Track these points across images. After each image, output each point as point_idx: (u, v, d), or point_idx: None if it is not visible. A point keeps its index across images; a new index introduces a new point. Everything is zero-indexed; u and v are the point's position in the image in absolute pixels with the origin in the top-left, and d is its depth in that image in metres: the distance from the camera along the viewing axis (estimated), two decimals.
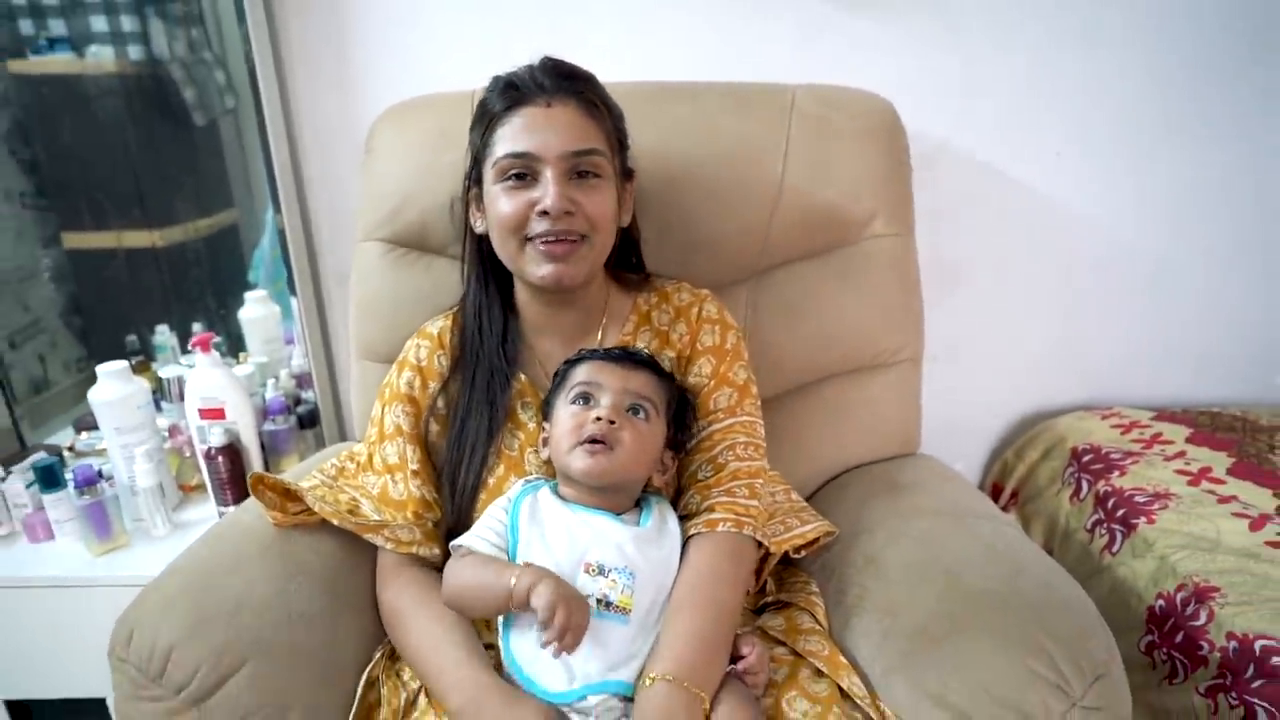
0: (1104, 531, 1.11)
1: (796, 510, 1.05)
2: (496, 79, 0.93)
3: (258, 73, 1.28)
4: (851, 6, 1.27)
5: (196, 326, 1.65)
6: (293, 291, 1.37)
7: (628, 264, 1.04)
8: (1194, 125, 1.31)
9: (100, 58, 1.60)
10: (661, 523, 0.89)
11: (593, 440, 0.84)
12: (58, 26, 1.60)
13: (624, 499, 0.89)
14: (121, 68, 1.61)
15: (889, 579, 0.90)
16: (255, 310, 1.52)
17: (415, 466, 0.95)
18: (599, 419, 0.85)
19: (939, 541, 0.93)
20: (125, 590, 1.15)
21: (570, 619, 0.75)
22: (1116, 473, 1.16)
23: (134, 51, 1.61)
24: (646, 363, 0.91)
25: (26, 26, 1.59)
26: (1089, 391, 1.44)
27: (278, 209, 1.34)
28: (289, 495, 0.97)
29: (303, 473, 1.07)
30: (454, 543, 0.88)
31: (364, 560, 0.96)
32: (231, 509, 1.24)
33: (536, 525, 0.85)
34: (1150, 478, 1.13)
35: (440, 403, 0.97)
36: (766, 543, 0.93)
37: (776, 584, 1.01)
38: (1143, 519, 1.05)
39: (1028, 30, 1.28)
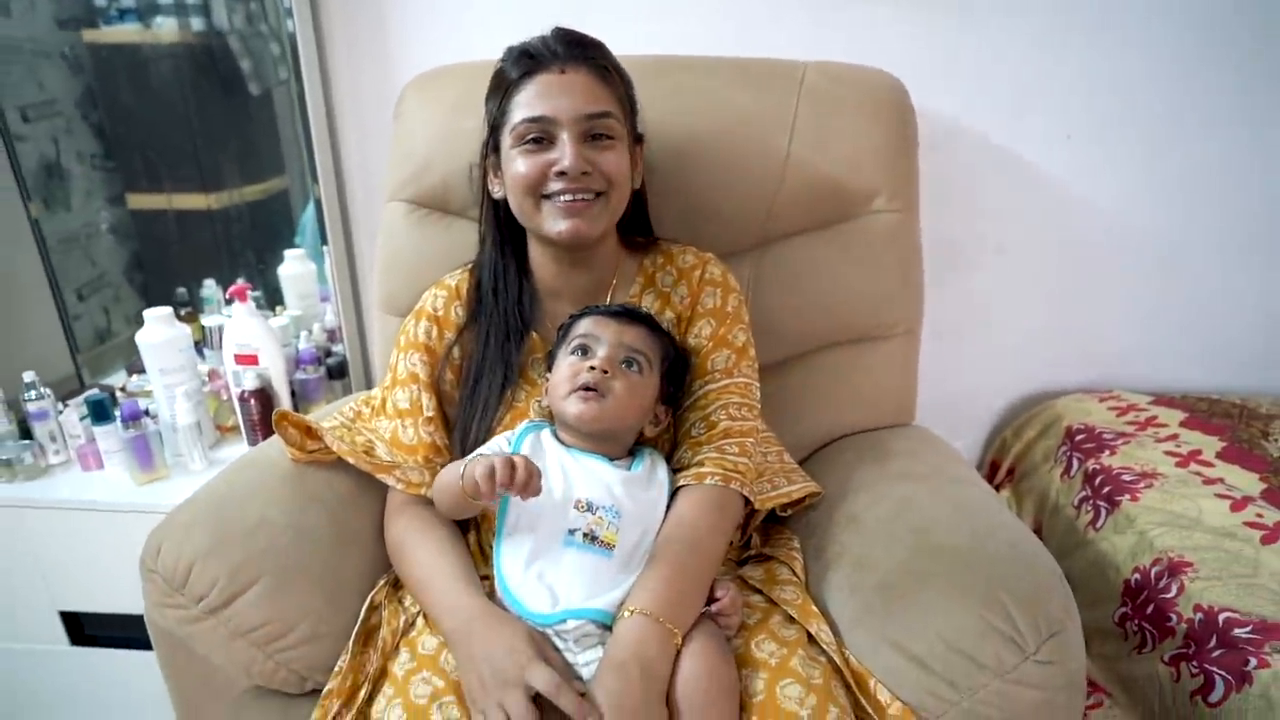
0: (1089, 508, 1.12)
1: (786, 471, 1.08)
2: (511, 49, 0.96)
3: (298, 40, 1.34)
4: None
5: (240, 280, 1.73)
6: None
7: (636, 228, 1.08)
8: (1205, 109, 1.29)
9: (164, 28, 1.68)
10: (651, 471, 0.93)
11: (586, 388, 0.89)
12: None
13: (617, 447, 0.94)
14: (184, 37, 1.69)
15: (864, 536, 0.93)
16: (293, 267, 1.60)
17: (430, 413, 1.00)
18: (593, 368, 0.90)
19: (916, 502, 0.95)
20: (162, 517, 1.26)
21: (511, 468, 0.79)
22: (1107, 452, 1.17)
23: (196, 23, 1.68)
24: (643, 319, 0.96)
25: None
26: (1092, 374, 1.44)
27: (314, 176, 1.40)
28: (309, 433, 1.03)
29: (324, 416, 1.13)
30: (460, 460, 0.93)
31: (374, 497, 1.02)
32: None
33: (536, 461, 0.90)
34: (1140, 458, 1.14)
35: (455, 352, 1.02)
36: (753, 499, 0.97)
37: (761, 539, 1.04)
38: (1127, 496, 1.07)
39: (1041, 11, 1.28)
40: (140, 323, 1.25)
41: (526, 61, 0.93)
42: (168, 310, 1.31)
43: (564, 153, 0.90)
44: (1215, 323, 1.39)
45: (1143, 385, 1.41)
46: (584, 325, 0.94)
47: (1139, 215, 1.36)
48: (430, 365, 1.01)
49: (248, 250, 1.87)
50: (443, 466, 1.00)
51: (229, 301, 1.69)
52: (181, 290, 1.75)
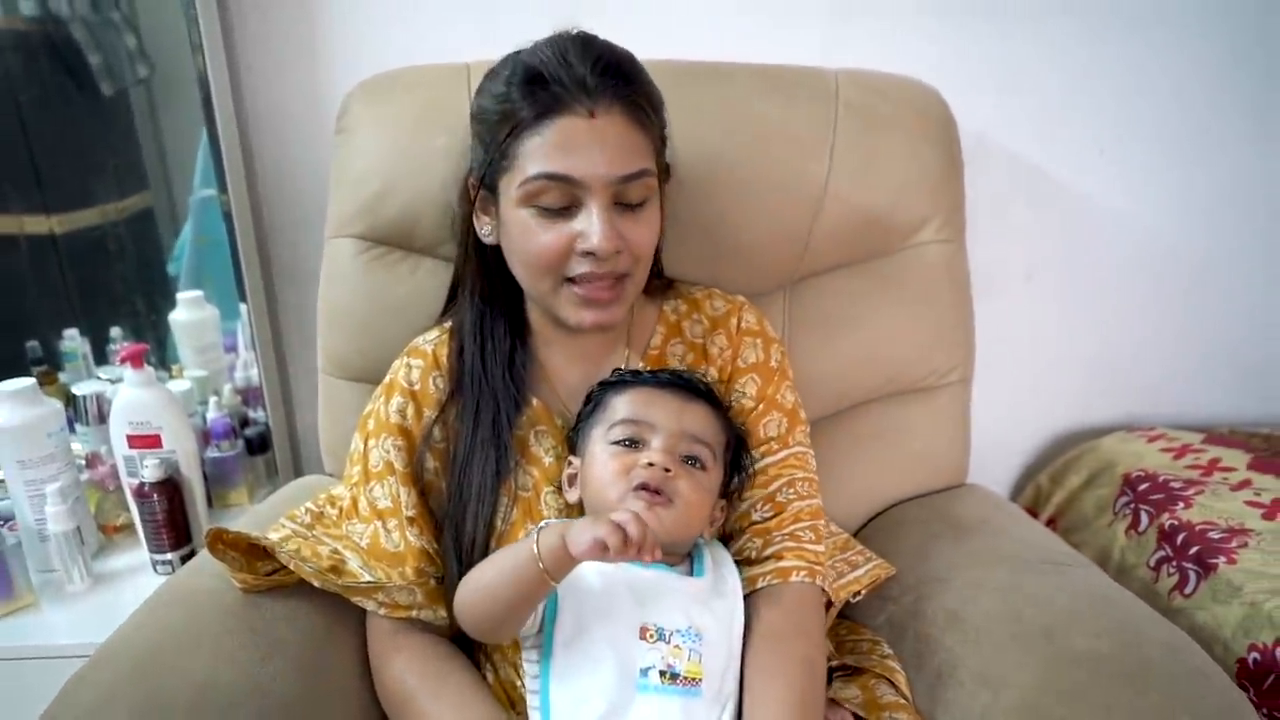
0: (1172, 570, 1.04)
1: (842, 547, 0.96)
2: (514, 63, 0.76)
3: (201, 34, 1.11)
4: None
5: (115, 331, 1.44)
6: (241, 296, 1.20)
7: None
8: (1243, 123, 1.26)
9: None
10: (717, 569, 0.78)
11: (645, 487, 0.73)
12: None
13: (672, 557, 0.77)
14: (11, 24, 1.43)
15: (978, 641, 0.81)
16: (189, 313, 1.33)
17: (411, 512, 0.81)
18: (651, 464, 0.73)
19: (1026, 593, 0.84)
20: (33, 664, 0.98)
21: (635, 523, 0.63)
22: (1180, 504, 1.10)
23: (26, 6, 1.43)
24: (704, 394, 0.80)
25: None
26: (1126, 407, 1.39)
27: (223, 190, 1.16)
28: (255, 551, 0.81)
29: (266, 518, 0.91)
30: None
31: (352, 629, 0.83)
32: (169, 557, 1.07)
33: (573, 585, 0.73)
34: (1220, 510, 1.07)
35: (437, 433, 0.83)
36: (830, 592, 0.84)
37: (836, 644, 0.90)
38: (1222, 559, 0.99)
39: (1073, 19, 1.21)
40: None
41: (543, 94, 0.73)
42: (30, 383, 1.04)
43: (592, 227, 0.73)
44: (1255, 348, 1.36)
45: (1182, 417, 1.36)
46: (627, 401, 0.78)
47: (1174, 236, 1.31)
48: (408, 452, 0.83)
49: (111, 286, 1.59)
50: (436, 580, 0.80)
51: (102, 360, 1.41)
52: (34, 344, 1.43)
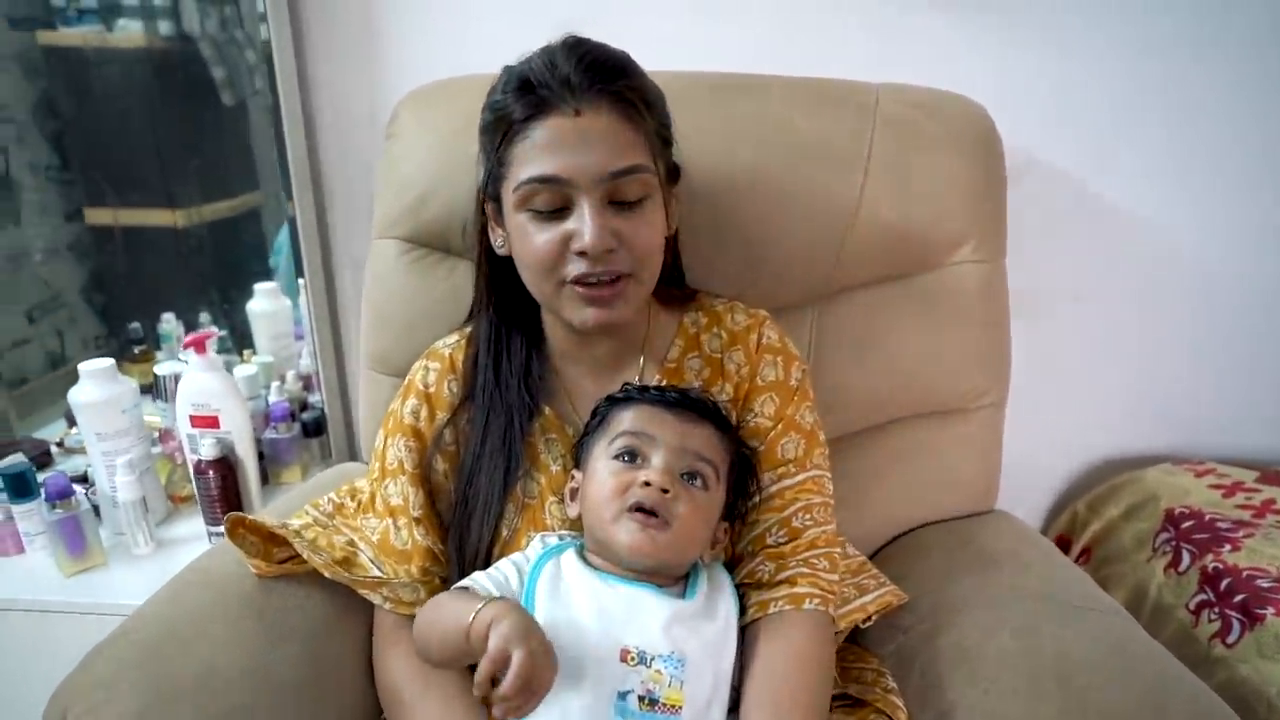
0: (1214, 616, 0.91)
1: (855, 571, 0.86)
2: (508, 72, 0.71)
3: (273, 45, 1.09)
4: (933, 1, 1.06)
5: (204, 317, 1.46)
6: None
7: (669, 276, 0.83)
8: None
9: (129, 31, 1.48)
10: (712, 595, 0.70)
11: (640, 509, 0.65)
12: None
13: (668, 575, 0.70)
14: (150, 42, 1.49)
15: (989, 685, 0.70)
16: (264, 303, 1.33)
17: (418, 513, 0.76)
18: (648, 484, 0.66)
19: (1047, 637, 0.73)
20: (96, 619, 0.98)
21: (525, 670, 0.56)
22: (1227, 546, 0.96)
23: (163, 26, 1.49)
24: (709, 412, 0.72)
25: None
26: (1174, 437, 1.23)
27: (289, 195, 1.14)
28: (274, 538, 0.78)
29: (300, 499, 0.88)
30: (466, 580, 0.70)
31: (361, 620, 0.79)
32: (221, 529, 1.05)
33: (559, 600, 0.66)
34: (1271, 556, 0.93)
35: (448, 436, 0.78)
36: (836, 620, 0.75)
37: (840, 670, 0.81)
38: (1270, 609, 0.85)
39: (1132, 35, 1.07)
40: (99, 347, 0.99)
41: (529, 98, 0.67)
42: (108, 363, 1.04)
43: (583, 225, 0.66)
44: None
45: (1232, 451, 1.20)
46: (631, 417, 0.70)
47: (1231, 261, 1.15)
48: (418, 453, 0.78)
49: (219, 273, 1.63)
50: (441, 579, 0.76)
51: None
52: (136, 325, 1.47)
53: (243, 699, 0.67)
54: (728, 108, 0.93)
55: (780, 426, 0.77)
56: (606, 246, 0.66)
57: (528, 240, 0.69)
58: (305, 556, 0.75)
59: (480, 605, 0.61)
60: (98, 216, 1.61)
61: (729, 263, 0.92)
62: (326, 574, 0.75)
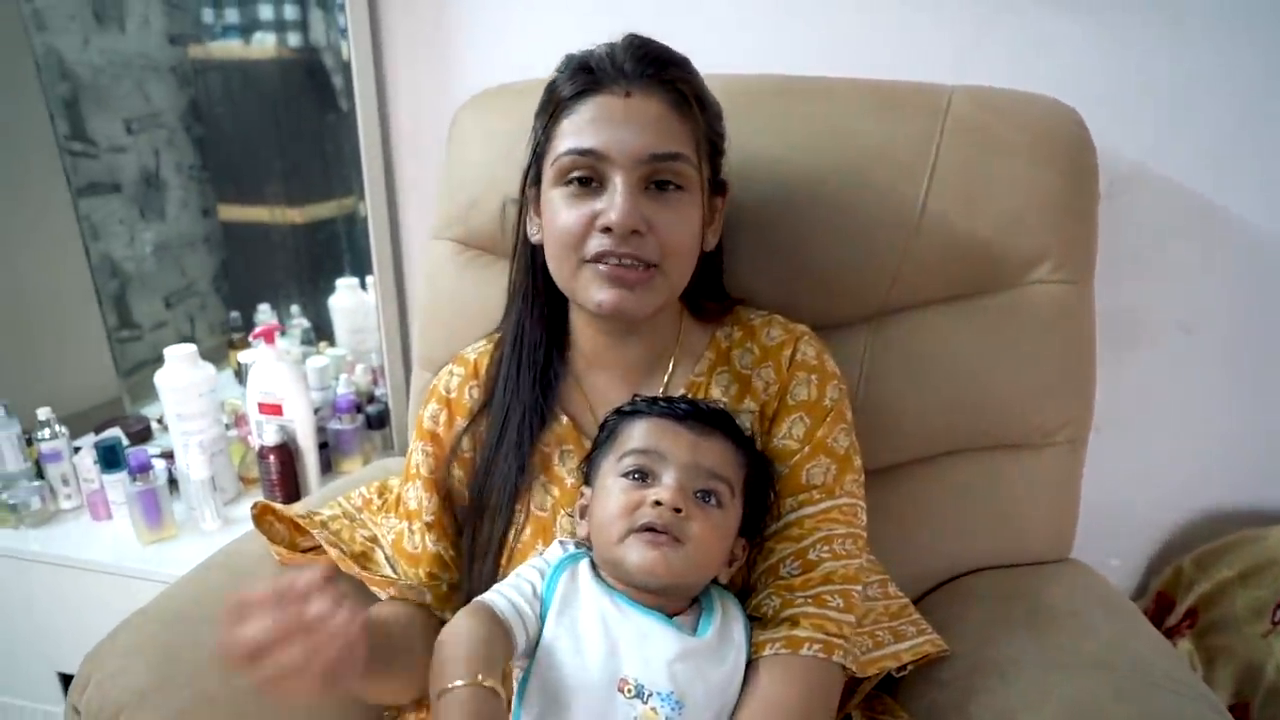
0: None
1: (895, 614, 0.77)
2: (569, 58, 0.69)
3: (352, 53, 1.11)
4: None
5: (294, 308, 1.52)
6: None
7: (707, 290, 0.77)
8: None
9: (264, 44, 1.55)
10: (724, 630, 0.63)
11: (651, 528, 0.60)
12: (233, 15, 1.59)
13: (679, 599, 0.64)
14: (280, 53, 1.56)
15: None
16: (345, 298, 1.37)
17: (429, 518, 0.74)
18: (658, 503, 0.60)
19: (1103, 715, 0.61)
20: (163, 585, 1.02)
21: None
22: None
23: (293, 39, 1.55)
24: (721, 424, 0.65)
25: (209, 15, 1.60)
26: None
27: (362, 195, 1.16)
28: (299, 527, 0.78)
29: (340, 490, 0.88)
30: (475, 600, 0.65)
31: None
32: None
33: (568, 615, 0.62)
34: None
35: (465, 443, 0.75)
36: (854, 668, 0.66)
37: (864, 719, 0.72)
38: None
39: (1258, 31, 0.91)
40: (223, 333, 1.03)
41: (583, 77, 0.66)
42: (190, 349, 1.09)
43: (613, 201, 0.63)
44: None
45: None
46: (640, 432, 0.65)
47: None
48: (435, 459, 0.75)
49: (317, 268, 1.71)
50: (450, 588, 0.73)
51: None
52: (235, 315, 1.55)
53: (238, 680, 0.66)
54: (787, 111, 0.86)
55: (808, 450, 0.69)
56: (633, 225, 0.62)
57: (557, 215, 0.66)
58: (324, 545, 0.75)
59: (453, 687, 0.55)
60: (227, 213, 1.73)
61: (776, 274, 0.85)
62: (340, 567, 0.74)
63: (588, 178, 0.64)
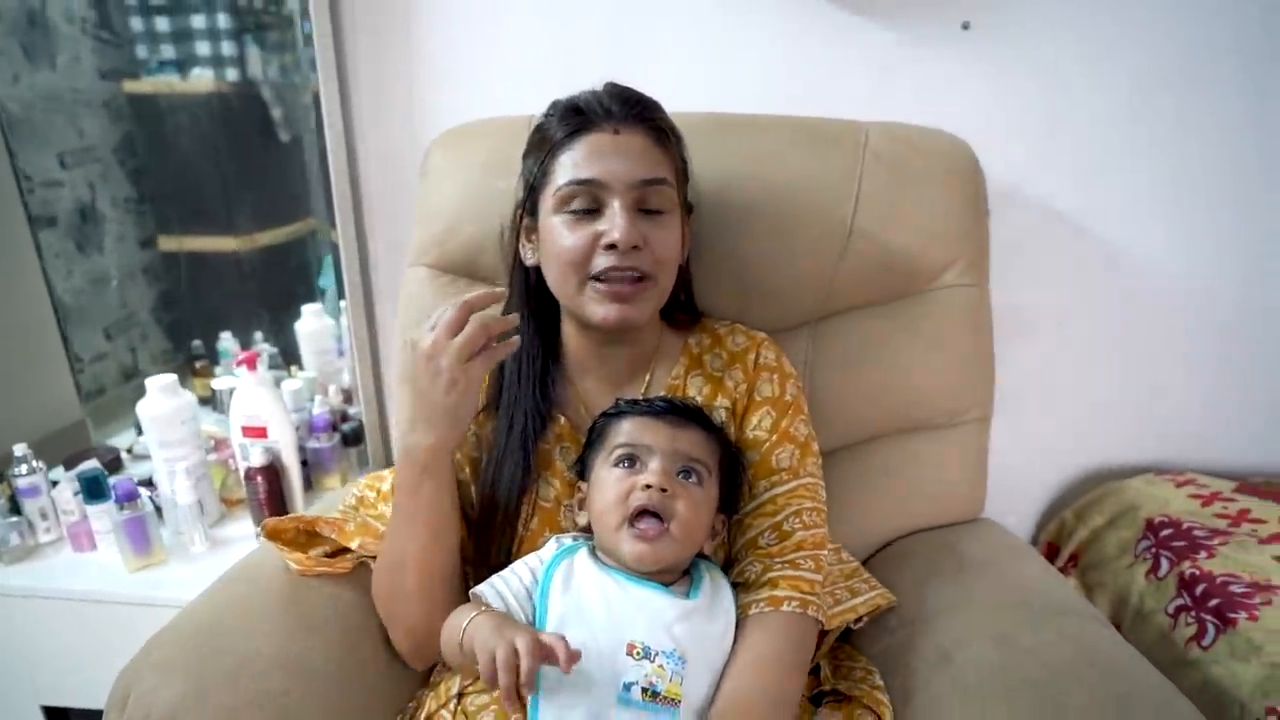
0: (1190, 620, 0.90)
1: (849, 575, 0.87)
2: (557, 103, 0.78)
3: (320, 89, 1.13)
4: (928, 40, 1.07)
5: (257, 335, 1.51)
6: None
7: (677, 303, 0.86)
8: None
9: (201, 79, 1.56)
10: (714, 596, 0.71)
11: (643, 513, 0.68)
12: (169, 51, 1.58)
13: (672, 573, 0.71)
14: (218, 87, 1.58)
15: (966, 687, 0.71)
16: (311, 323, 1.38)
17: None
18: (648, 486, 0.68)
19: (1023, 644, 0.73)
20: (156, 610, 1.02)
21: (502, 665, 0.58)
22: (1203, 554, 0.95)
23: (231, 74, 1.57)
24: (694, 416, 0.74)
25: (143, 51, 1.59)
26: (1158, 450, 1.22)
27: (333, 222, 1.18)
28: (311, 535, 0.81)
29: (330, 507, 0.92)
30: (472, 590, 0.72)
31: None
32: None
33: (571, 596, 0.68)
34: (1245, 564, 0.92)
35: (471, 441, 0.80)
36: (824, 620, 0.75)
37: (831, 668, 0.82)
38: (1243, 614, 0.84)
39: (1124, 67, 1.07)
40: (167, 362, 1.02)
41: (575, 118, 0.74)
42: (171, 379, 1.09)
43: (614, 223, 0.71)
44: None
45: (1216, 463, 1.18)
46: (625, 429, 0.73)
47: (1213, 281, 1.14)
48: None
49: (271, 295, 1.69)
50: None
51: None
52: (197, 343, 1.53)
53: (279, 684, 0.69)
54: (729, 145, 0.95)
55: (775, 438, 0.79)
56: (634, 242, 0.71)
57: (560, 239, 0.73)
58: (355, 538, 0.80)
59: (466, 623, 0.64)
60: (168, 243, 1.69)
61: (726, 290, 0.94)
62: (353, 545, 0.79)
63: (587, 205, 0.72)
